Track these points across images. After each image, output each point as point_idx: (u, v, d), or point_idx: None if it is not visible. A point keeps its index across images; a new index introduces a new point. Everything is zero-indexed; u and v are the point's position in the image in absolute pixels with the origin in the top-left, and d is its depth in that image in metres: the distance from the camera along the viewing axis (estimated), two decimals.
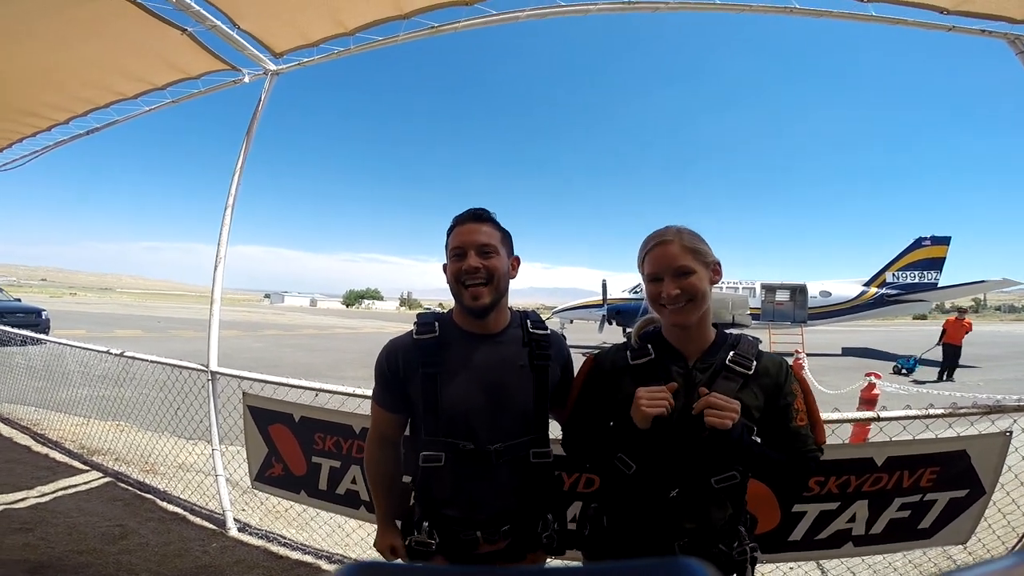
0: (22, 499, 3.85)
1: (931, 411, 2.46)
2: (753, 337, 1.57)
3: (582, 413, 1.65)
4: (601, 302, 20.92)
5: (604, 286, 20.75)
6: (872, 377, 5.23)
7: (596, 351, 1.69)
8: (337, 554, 3.31)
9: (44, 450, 5.04)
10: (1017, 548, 2.70)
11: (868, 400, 5.09)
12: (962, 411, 2.52)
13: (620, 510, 1.55)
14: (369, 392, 1.89)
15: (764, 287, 23.22)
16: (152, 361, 4.03)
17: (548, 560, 1.79)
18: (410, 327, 1.68)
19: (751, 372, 1.46)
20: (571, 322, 23.60)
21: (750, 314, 20.01)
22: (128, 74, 3.61)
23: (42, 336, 6.24)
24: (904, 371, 14.98)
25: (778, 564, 2.71)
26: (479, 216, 1.64)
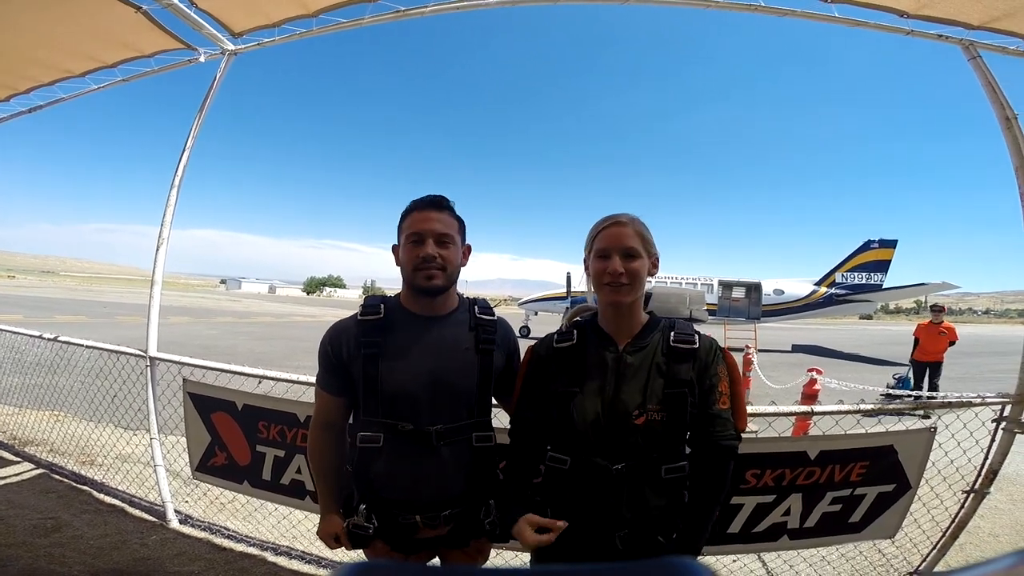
0: None
1: (862, 406, 2.58)
2: (686, 321, 1.62)
3: (526, 405, 1.66)
4: (565, 294, 21.16)
5: (568, 279, 20.98)
6: (813, 373, 5.43)
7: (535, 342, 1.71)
8: (283, 546, 3.25)
9: None
10: (940, 543, 2.84)
11: (809, 395, 5.28)
12: (891, 407, 2.67)
13: (560, 503, 1.57)
14: (313, 379, 1.86)
15: (721, 283, 23.89)
16: (88, 346, 3.85)
17: (492, 548, 1.82)
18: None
19: (696, 346, 1.52)
20: (536, 314, 23.81)
21: (707, 309, 20.59)
22: (76, 52, 3.42)
23: None
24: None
25: (719, 557, 2.78)
26: (438, 204, 1.64)
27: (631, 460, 1.46)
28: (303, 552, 3.19)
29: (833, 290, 24.66)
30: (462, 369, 1.64)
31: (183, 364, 3.32)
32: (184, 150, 3.46)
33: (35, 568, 2.83)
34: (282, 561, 3.09)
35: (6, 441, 4.78)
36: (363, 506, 1.61)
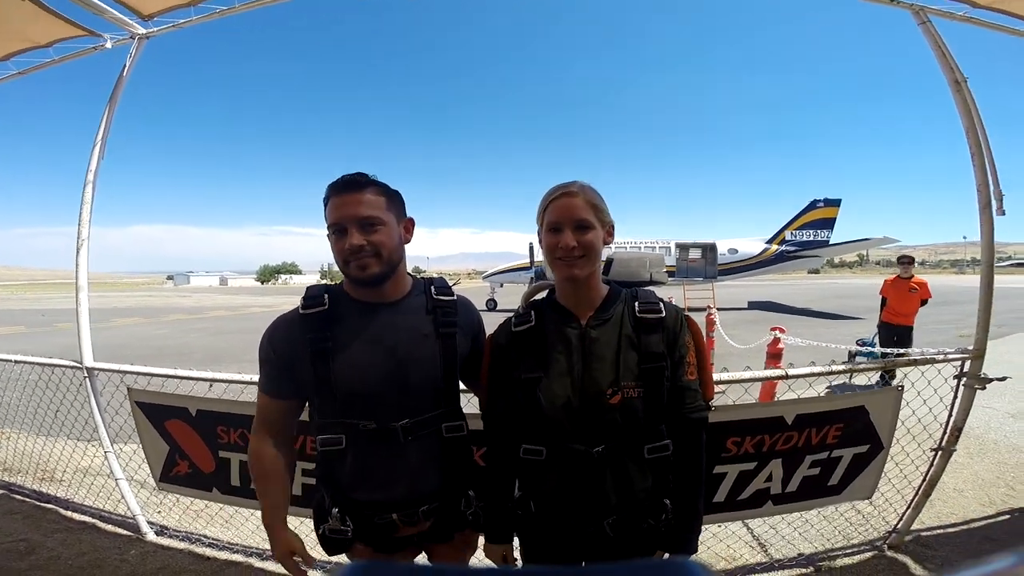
0: None
1: (833, 367, 2.61)
2: (649, 290, 1.55)
3: (496, 396, 1.58)
4: (529, 264, 21.30)
5: (531, 249, 21.04)
6: (776, 332, 5.51)
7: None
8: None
9: None
10: (914, 502, 2.94)
11: (774, 354, 5.39)
12: (861, 367, 2.76)
13: (542, 495, 1.50)
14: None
15: (678, 246, 24.50)
16: (17, 361, 3.60)
17: (480, 538, 1.69)
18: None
19: (664, 315, 1.46)
20: (501, 286, 23.86)
21: (666, 271, 21.14)
22: None
23: None
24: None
25: (707, 526, 2.84)
26: (357, 184, 1.44)
27: (610, 441, 1.40)
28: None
29: (784, 247, 25.71)
30: (423, 359, 1.50)
31: (124, 372, 3.13)
32: (96, 143, 3.15)
33: None
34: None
35: None
36: (336, 509, 1.50)
